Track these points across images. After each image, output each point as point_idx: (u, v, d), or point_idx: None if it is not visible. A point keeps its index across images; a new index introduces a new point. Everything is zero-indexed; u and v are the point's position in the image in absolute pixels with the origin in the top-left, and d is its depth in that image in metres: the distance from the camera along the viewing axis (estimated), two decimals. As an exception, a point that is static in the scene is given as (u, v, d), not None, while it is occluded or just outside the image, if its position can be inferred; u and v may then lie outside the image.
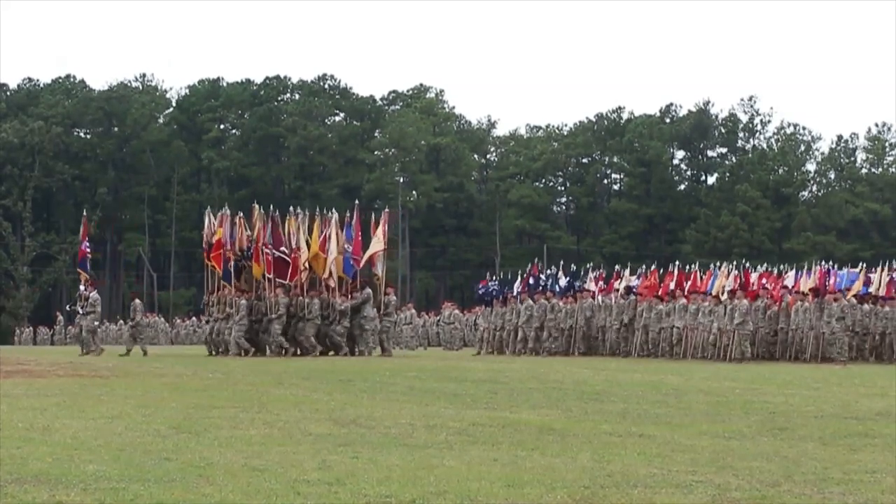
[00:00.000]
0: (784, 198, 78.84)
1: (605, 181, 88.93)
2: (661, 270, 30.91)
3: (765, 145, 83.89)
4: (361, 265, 27.48)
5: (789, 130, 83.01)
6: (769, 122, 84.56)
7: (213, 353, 26.85)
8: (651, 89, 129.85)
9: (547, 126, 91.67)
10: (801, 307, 25.59)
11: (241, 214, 27.92)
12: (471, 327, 40.34)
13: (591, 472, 7.36)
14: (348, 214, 27.90)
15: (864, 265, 29.43)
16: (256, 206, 27.61)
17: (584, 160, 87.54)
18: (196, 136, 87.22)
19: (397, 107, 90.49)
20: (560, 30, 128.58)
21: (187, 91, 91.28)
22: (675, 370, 20.01)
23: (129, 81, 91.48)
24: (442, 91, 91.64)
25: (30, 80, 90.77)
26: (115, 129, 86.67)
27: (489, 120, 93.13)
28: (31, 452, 8.05)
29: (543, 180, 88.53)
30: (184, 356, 27.43)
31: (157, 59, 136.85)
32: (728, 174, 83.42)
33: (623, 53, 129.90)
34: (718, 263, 30.74)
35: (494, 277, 34.00)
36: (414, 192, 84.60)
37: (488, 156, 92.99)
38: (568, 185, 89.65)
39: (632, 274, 30.50)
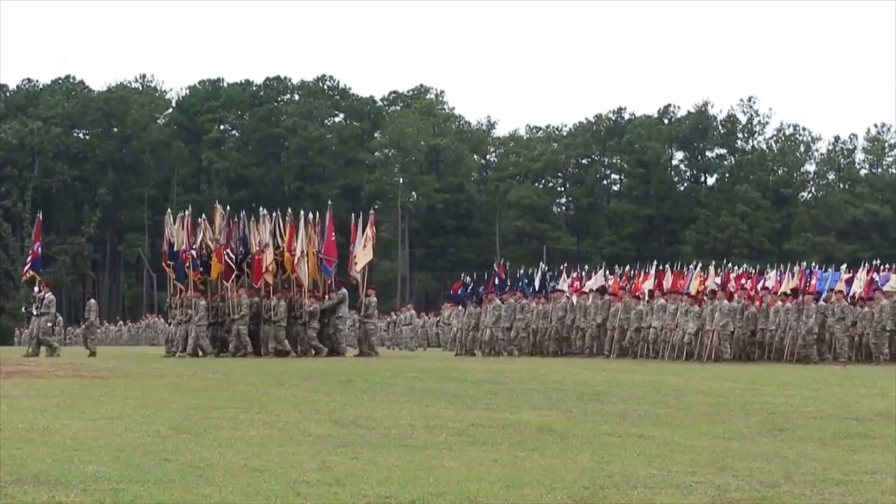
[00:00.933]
0: (784, 198, 78.87)
1: (605, 182, 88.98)
2: (633, 271, 31.10)
3: (764, 146, 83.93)
4: (359, 268, 27.29)
5: (789, 131, 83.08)
6: (768, 122, 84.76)
7: (173, 353, 26.52)
8: (650, 90, 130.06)
9: (547, 127, 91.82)
10: (782, 308, 25.64)
11: (204, 216, 27.87)
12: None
13: (590, 473, 7.36)
14: (318, 214, 27.69)
15: (846, 266, 29.54)
16: (218, 207, 27.58)
17: (584, 161, 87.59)
18: (196, 136, 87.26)
19: (397, 107, 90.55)
20: (560, 30, 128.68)
21: (187, 92, 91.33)
22: (674, 371, 20.02)
23: (129, 82, 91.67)
24: (442, 92, 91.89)
25: (29, 80, 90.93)
26: (115, 129, 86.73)
27: (489, 120, 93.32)
28: (30, 453, 8.05)
29: (543, 181, 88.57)
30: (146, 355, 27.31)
31: (156, 60, 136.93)
32: (728, 175, 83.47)
33: (622, 54, 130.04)
34: (695, 263, 30.79)
35: (469, 279, 33.99)
36: (414, 193, 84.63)
37: (488, 156, 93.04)
38: (568, 185, 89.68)
39: (618, 276, 30.51)
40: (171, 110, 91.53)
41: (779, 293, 26.53)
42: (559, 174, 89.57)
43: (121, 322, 70.41)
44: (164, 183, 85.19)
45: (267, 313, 25.97)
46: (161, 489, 6.64)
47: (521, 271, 33.01)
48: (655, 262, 30.65)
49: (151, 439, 8.92)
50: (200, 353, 25.75)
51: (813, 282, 27.31)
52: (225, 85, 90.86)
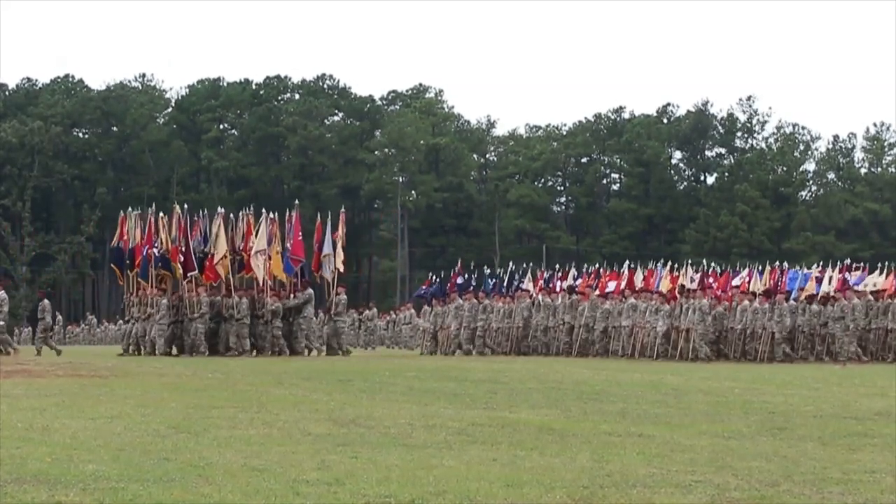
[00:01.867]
0: (783, 198, 78.88)
1: (605, 181, 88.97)
2: (602, 270, 31.15)
3: (764, 145, 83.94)
4: (340, 268, 27.13)
5: (788, 130, 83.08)
6: (767, 121, 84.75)
7: (132, 353, 26.44)
8: (650, 89, 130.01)
9: (546, 126, 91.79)
10: (750, 307, 25.62)
11: (163, 214, 27.87)
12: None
13: (590, 472, 7.35)
14: (288, 213, 27.65)
15: (820, 265, 29.56)
16: (177, 207, 27.58)
17: (584, 160, 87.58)
18: (195, 136, 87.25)
19: (396, 107, 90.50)
20: (559, 30, 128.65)
21: (187, 91, 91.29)
22: (672, 370, 20.02)
23: (129, 81, 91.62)
24: (441, 91, 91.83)
25: (29, 79, 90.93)
26: (115, 128, 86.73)
27: (488, 120, 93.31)
28: (30, 452, 8.05)
29: (543, 180, 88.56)
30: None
31: (156, 59, 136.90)
32: (727, 174, 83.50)
33: (622, 54, 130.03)
34: (663, 262, 30.82)
35: (436, 278, 33.99)
36: (413, 192, 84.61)
37: (488, 156, 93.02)
38: (567, 184, 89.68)
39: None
40: (170, 109, 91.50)
41: (746, 292, 26.55)
42: (559, 173, 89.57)
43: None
44: (163, 182, 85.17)
45: (228, 311, 25.95)
46: (160, 488, 6.64)
47: (487, 270, 33.01)
48: (627, 262, 30.72)
49: (151, 438, 8.92)
50: (158, 352, 25.67)
51: (784, 280, 27.37)
52: (224, 84, 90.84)
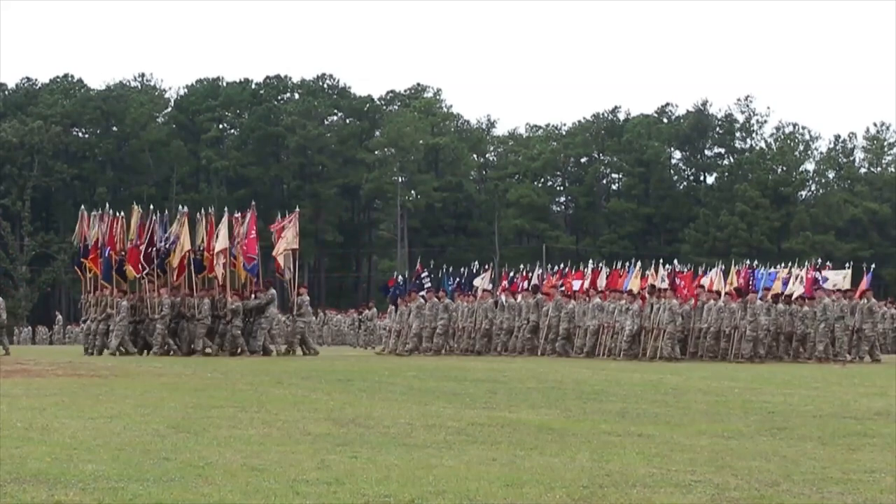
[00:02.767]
0: (783, 197, 78.88)
1: (604, 181, 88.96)
2: (566, 269, 31.17)
3: (763, 145, 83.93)
4: (281, 261, 27.00)
5: (788, 130, 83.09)
6: (766, 121, 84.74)
7: (90, 352, 26.38)
8: (649, 89, 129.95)
9: (546, 126, 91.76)
10: (715, 306, 25.60)
11: (122, 214, 27.84)
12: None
13: (589, 472, 7.35)
14: (238, 213, 27.62)
15: (786, 265, 29.58)
16: (135, 206, 27.54)
17: (583, 160, 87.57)
18: (195, 135, 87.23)
19: (395, 107, 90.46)
20: (559, 29, 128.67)
21: (186, 91, 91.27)
22: (674, 370, 20.02)
23: (128, 81, 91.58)
24: (439, 90, 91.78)
25: (28, 79, 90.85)
26: (114, 128, 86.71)
27: (488, 119, 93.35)
28: (29, 452, 8.05)
29: (542, 180, 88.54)
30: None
31: (155, 59, 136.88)
32: (727, 174, 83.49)
33: (622, 53, 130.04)
34: (634, 261, 30.88)
35: (400, 277, 33.99)
36: (413, 192, 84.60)
37: (487, 155, 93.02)
38: (567, 184, 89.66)
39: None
40: (170, 109, 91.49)
41: (713, 291, 26.55)
42: (558, 173, 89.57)
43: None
44: (163, 182, 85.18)
45: (190, 311, 25.92)
46: (160, 488, 6.64)
47: (448, 269, 33.02)
48: (591, 261, 30.81)
49: (150, 438, 8.92)
50: (118, 352, 25.64)
51: (754, 280, 27.43)
52: (224, 84, 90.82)
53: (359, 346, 42.82)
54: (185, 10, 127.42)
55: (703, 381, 16.41)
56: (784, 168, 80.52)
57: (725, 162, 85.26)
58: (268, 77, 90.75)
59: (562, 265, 33.47)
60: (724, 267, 29.04)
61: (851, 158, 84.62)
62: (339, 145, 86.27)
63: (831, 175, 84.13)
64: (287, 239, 27.13)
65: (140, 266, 26.18)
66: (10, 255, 78.07)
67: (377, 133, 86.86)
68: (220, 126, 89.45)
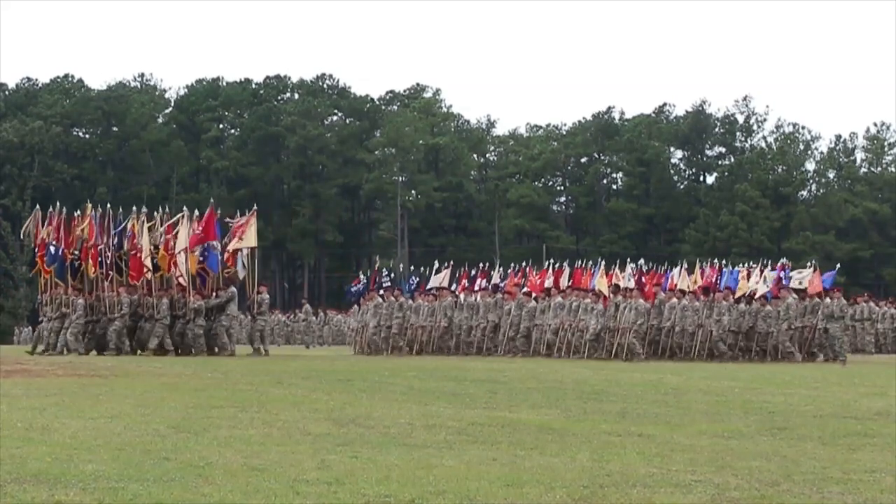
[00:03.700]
0: (783, 197, 78.87)
1: (605, 181, 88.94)
2: (528, 269, 31.20)
3: (763, 145, 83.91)
4: (233, 261, 26.86)
5: (788, 130, 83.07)
6: (765, 121, 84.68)
7: (43, 352, 26.24)
8: (649, 89, 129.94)
9: (546, 125, 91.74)
10: (679, 305, 25.57)
11: (78, 213, 27.77)
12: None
13: (590, 472, 7.35)
14: (197, 212, 27.56)
15: (748, 264, 29.53)
16: (88, 205, 27.50)
17: (584, 160, 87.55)
18: (195, 135, 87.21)
19: (395, 107, 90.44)
20: (558, 29, 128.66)
21: (186, 91, 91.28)
22: (674, 370, 20.02)
23: (128, 81, 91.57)
24: (439, 90, 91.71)
25: (29, 79, 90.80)
26: (115, 128, 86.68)
27: (488, 119, 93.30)
28: (30, 452, 8.05)
29: (543, 180, 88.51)
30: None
31: (155, 59, 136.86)
32: (727, 174, 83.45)
33: (622, 53, 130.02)
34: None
35: (363, 276, 33.93)
36: (413, 192, 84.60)
37: (487, 155, 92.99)
38: (567, 184, 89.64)
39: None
40: (170, 109, 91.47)
41: (675, 290, 26.54)
42: (559, 173, 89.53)
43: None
44: (163, 182, 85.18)
45: (148, 311, 25.84)
46: (160, 488, 6.64)
47: (408, 269, 32.98)
48: (552, 261, 30.85)
49: (151, 438, 8.92)
50: (66, 351, 25.52)
51: (714, 279, 27.43)
52: (224, 84, 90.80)
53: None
54: (185, 10, 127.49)
55: (704, 381, 16.41)
56: (784, 168, 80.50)
57: (725, 162, 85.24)
58: (268, 77, 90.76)
59: (515, 265, 33.37)
60: (686, 265, 28.96)
61: (852, 158, 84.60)
62: (339, 145, 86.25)
63: (831, 175, 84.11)
64: (246, 238, 27.03)
65: (100, 264, 26.06)
66: (11, 255, 78.06)
67: (377, 133, 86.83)
68: (221, 126, 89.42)
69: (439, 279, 30.86)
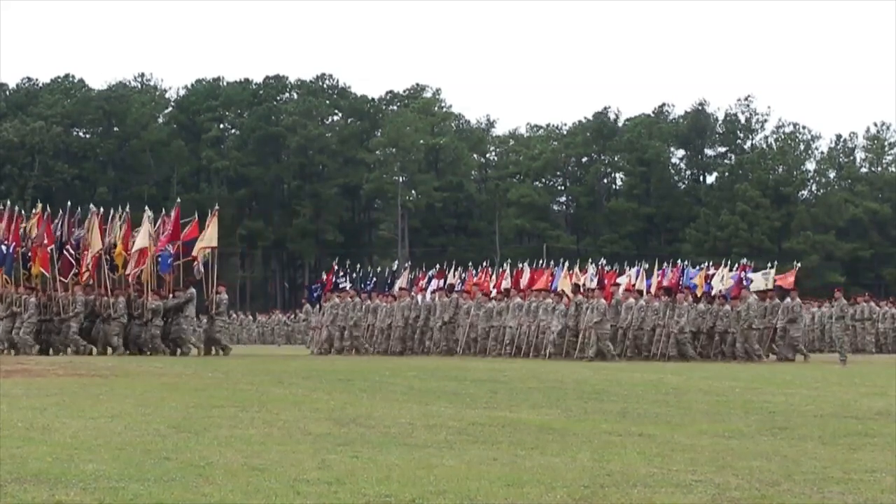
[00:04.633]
0: (783, 197, 78.88)
1: (605, 180, 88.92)
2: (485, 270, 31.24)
3: (764, 145, 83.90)
4: (198, 260, 26.83)
5: (788, 130, 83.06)
6: (766, 121, 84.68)
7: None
8: (650, 89, 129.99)
9: (546, 125, 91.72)
10: (636, 305, 25.53)
11: (19, 210, 27.71)
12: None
13: (590, 472, 7.35)
14: (163, 212, 27.52)
15: (708, 264, 29.53)
16: (39, 205, 27.43)
17: (584, 159, 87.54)
18: (195, 135, 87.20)
19: (395, 107, 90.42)
20: (558, 29, 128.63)
21: (186, 91, 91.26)
22: (672, 370, 20.02)
23: (129, 81, 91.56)
24: (438, 90, 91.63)
25: (29, 79, 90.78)
26: (115, 128, 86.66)
27: (488, 119, 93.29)
28: (30, 452, 8.04)
29: (543, 180, 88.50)
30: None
31: (155, 59, 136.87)
32: (727, 173, 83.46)
33: (622, 53, 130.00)
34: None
35: (325, 276, 33.96)
36: (413, 192, 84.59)
37: (488, 155, 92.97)
38: (567, 184, 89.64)
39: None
40: (170, 109, 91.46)
41: (632, 290, 26.52)
42: (559, 173, 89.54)
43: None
44: (164, 182, 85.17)
45: (105, 311, 25.74)
46: (161, 488, 6.64)
47: (361, 269, 32.95)
48: (507, 262, 30.87)
49: (151, 438, 8.92)
50: (14, 351, 25.42)
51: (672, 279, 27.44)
52: (224, 84, 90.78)
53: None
54: (185, 10, 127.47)
55: (704, 381, 16.41)
56: (784, 168, 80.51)
57: (726, 162, 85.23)
58: (268, 77, 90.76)
59: (469, 265, 33.36)
60: (647, 266, 28.96)
61: (852, 158, 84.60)
62: (340, 145, 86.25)
63: (832, 175, 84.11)
64: (207, 238, 26.95)
65: (50, 265, 25.98)
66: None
67: (377, 133, 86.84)
68: (221, 126, 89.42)
69: (400, 280, 30.98)
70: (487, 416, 10.79)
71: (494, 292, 28.21)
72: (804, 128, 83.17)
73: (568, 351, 25.14)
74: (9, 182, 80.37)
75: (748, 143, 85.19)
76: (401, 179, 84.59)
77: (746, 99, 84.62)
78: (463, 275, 31.15)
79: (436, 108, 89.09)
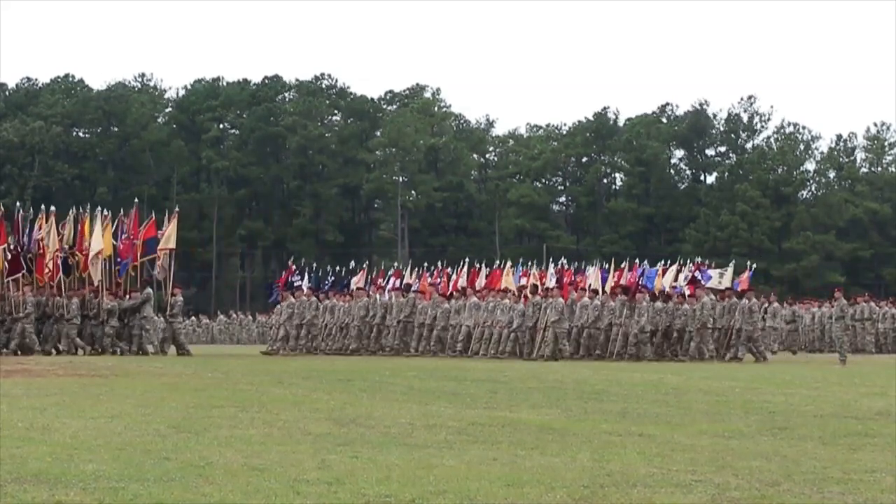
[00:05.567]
0: (783, 197, 78.87)
1: (605, 180, 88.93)
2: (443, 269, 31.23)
3: (764, 145, 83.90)
4: (161, 262, 26.80)
5: (789, 130, 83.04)
6: (769, 120, 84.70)
7: None
8: (650, 89, 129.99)
9: (546, 125, 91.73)
10: (591, 304, 25.52)
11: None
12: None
13: (590, 472, 7.35)
14: (122, 212, 27.44)
15: (664, 263, 29.54)
16: None
17: (584, 159, 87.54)
18: (195, 135, 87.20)
19: (394, 107, 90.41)
20: (558, 29, 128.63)
21: (186, 91, 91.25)
22: (674, 370, 20.02)
23: (128, 81, 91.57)
24: (438, 90, 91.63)
25: (29, 79, 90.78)
26: (115, 128, 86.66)
27: (488, 119, 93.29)
28: (30, 452, 8.04)
29: (543, 180, 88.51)
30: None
31: (155, 59, 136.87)
32: (727, 173, 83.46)
33: (622, 53, 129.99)
34: (522, 261, 30.87)
35: (284, 276, 33.90)
36: (413, 192, 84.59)
37: (487, 155, 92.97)
38: (567, 184, 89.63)
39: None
40: (170, 109, 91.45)
41: (587, 289, 26.50)
42: (559, 173, 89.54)
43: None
44: (164, 182, 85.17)
45: (58, 311, 25.65)
46: (161, 488, 6.64)
47: (316, 268, 32.89)
48: (466, 260, 30.92)
49: (151, 438, 8.92)
50: None
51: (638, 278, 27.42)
52: (224, 84, 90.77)
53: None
54: (185, 10, 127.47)
55: (704, 381, 16.42)
56: (785, 168, 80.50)
57: (726, 161, 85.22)
58: (267, 77, 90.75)
59: (424, 264, 33.33)
60: (606, 266, 28.94)
61: (852, 158, 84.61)
62: (340, 145, 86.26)
63: (832, 175, 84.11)
64: (166, 239, 26.87)
65: (17, 265, 25.89)
66: (11, 255, 77.91)
67: (377, 133, 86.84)
68: (221, 126, 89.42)
69: (357, 279, 30.98)
70: (487, 416, 10.79)
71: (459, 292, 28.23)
72: (804, 128, 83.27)
73: (523, 350, 25.12)
74: (9, 182, 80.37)
75: (750, 144, 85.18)
76: (401, 179, 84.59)
77: (749, 98, 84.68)
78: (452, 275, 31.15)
79: (435, 108, 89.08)
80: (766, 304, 37.48)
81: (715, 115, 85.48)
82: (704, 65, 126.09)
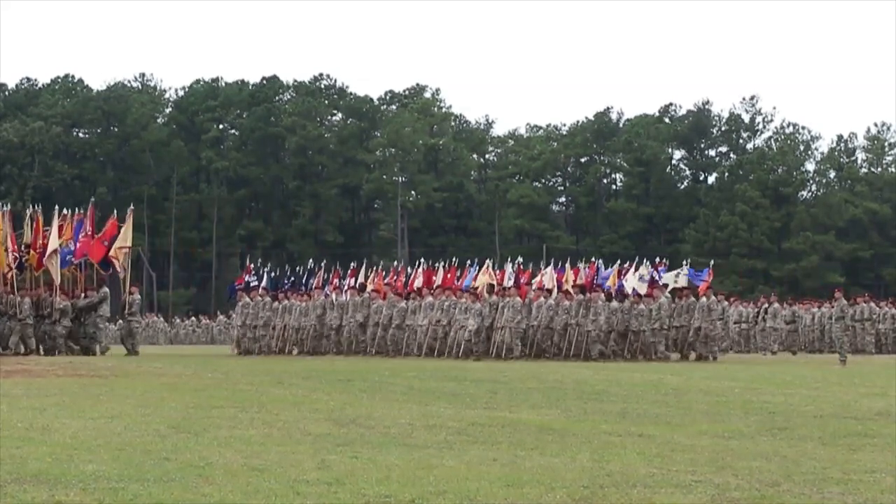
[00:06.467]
0: (783, 197, 78.87)
1: (605, 181, 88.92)
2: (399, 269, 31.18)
3: (764, 145, 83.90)
4: (120, 260, 26.63)
5: (789, 130, 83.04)
6: (771, 121, 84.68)
7: None
8: (650, 89, 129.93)
9: (546, 125, 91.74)
10: (545, 304, 25.49)
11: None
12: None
13: (590, 472, 7.35)
14: (80, 211, 27.31)
15: (619, 263, 29.52)
16: None
17: (584, 160, 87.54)
18: (195, 135, 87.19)
19: (394, 107, 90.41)
20: (558, 29, 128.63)
21: (186, 91, 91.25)
22: (674, 370, 20.02)
23: (128, 81, 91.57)
24: (438, 90, 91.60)
25: (29, 79, 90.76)
26: (115, 128, 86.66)
27: (488, 119, 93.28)
28: (30, 452, 8.04)
29: (543, 180, 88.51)
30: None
31: (155, 59, 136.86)
32: (727, 174, 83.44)
33: (622, 53, 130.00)
34: (476, 260, 30.85)
35: (247, 277, 33.76)
36: (413, 192, 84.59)
37: (487, 155, 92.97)
38: (567, 184, 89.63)
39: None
40: (170, 109, 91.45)
41: (542, 288, 26.46)
42: (559, 173, 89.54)
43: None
44: (163, 182, 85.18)
45: (11, 310, 25.52)
46: (160, 488, 6.64)
47: (269, 268, 32.83)
48: (421, 260, 31.03)
49: (151, 438, 8.92)
50: None
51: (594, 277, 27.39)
52: (223, 84, 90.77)
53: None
54: (185, 11, 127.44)
55: (704, 381, 16.41)
56: (784, 168, 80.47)
57: (726, 162, 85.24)
58: (266, 77, 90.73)
59: (390, 264, 33.23)
60: (561, 265, 28.90)
61: (852, 158, 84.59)
62: (339, 145, 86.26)
63: (832, 175, 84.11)
64: (121, 237, 26.82)
65: None
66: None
67: (377, 133, 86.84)
68: (220, 126, 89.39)
69: (319, 278, 30.92)
70: (487, 417, 10.79)
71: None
72: (804, 128, 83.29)
73: (479, 350, 25.08)
74: (9, 182, 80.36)
75: (751, 144, 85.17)
76: (401, 180, 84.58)
77: (752, 99, 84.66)
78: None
79: (435, 109, 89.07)
80: (766, 305, 37.53)
81: (717, 115, 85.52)
82: (706, 65, 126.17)
